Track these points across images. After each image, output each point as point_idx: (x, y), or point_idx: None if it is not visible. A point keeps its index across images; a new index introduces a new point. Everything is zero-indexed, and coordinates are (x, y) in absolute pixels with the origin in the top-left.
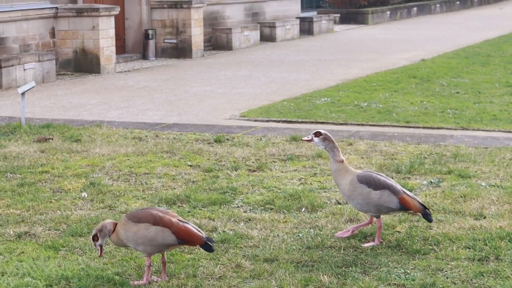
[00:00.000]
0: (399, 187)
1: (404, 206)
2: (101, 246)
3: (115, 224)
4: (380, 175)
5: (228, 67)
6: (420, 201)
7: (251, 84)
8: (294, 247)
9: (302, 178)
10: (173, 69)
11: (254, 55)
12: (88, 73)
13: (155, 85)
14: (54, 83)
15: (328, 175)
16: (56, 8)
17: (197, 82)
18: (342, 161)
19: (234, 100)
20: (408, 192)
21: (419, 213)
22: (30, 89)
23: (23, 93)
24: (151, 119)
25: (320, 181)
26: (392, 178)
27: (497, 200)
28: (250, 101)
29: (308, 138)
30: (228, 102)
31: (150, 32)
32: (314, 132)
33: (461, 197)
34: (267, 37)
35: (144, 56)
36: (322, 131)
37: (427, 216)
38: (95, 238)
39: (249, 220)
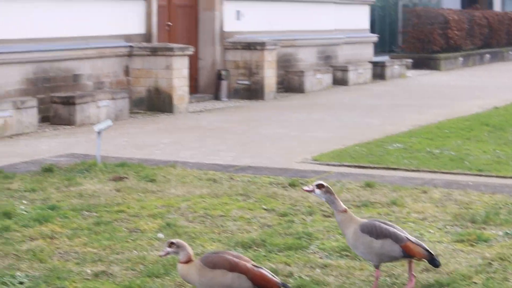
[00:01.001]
0: (403, 234)
1: (408, 254)
2: (168, 254)
3: (189, 258)
4: (384, 223)
5: (300, 109)
6: (426, 247)
7: (323, 128)
8: None
9: None
10: (245, 111)
11: (326, 98)
12: (160, 112)
13: (227, 126)
14: (127, 121)
15: (403, 222)
16: (131, 46)
17: (269, 124)
18: (345, 211)
19: (306, 143)
20: (412, 239)
21: (425, 259)
22: (106, 128)
23: (99, 132)
24: (223, 160)
25: None
26: (467, 228)
27: None
28: (322, 144)
29: (310, 189)
30: (300, 145)
31: (223, 72)
32: (316, 183)
33: None
34: (340, 81)
35: (217, 97)
36: (324, 184)
37: (433, 262)
38: (172, 245)
39: (325, 266)
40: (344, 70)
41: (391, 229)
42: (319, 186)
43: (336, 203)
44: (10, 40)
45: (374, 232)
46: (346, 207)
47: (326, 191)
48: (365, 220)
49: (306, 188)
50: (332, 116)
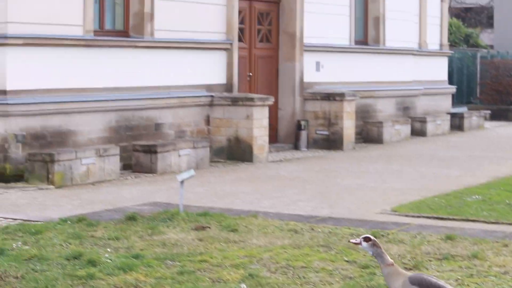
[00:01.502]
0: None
1: None
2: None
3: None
4: (432, 277)
5: (378, 160)
6: None
7: (402, 179)
8: None
9: (458, 279)
10: (324, 161)
11: (405, 149)
12: (240, 161)
13: (306, 176)
14: (207, 170)
15: (485, 276)
16: (212, 96)
17: (348, 175)
18: (392, 264)
19: (384, 194)
20: None
21: None
22: (189, 178)
23: (182, 181)
24: (303, 210)
25: (477, 283)
26: None
27: None
28: (401, 195)
29: (357, 242)
30: (378, 196)
31: (302, 123)
32: (363, 236)
33: None
34: (418, 131)
35: (296, 146)
36: (371, 237)
37: None
38: (368, 240)
39: None
40: (422, 121)
41: (439, 282)
42: (366, 239)
43: (383, 257)
44: (95, 89)
45: (424, 284)
46: (393, 261)
47: (373, 244)
48: (412, 273)
49: (353, 240)
50: (410, 167)
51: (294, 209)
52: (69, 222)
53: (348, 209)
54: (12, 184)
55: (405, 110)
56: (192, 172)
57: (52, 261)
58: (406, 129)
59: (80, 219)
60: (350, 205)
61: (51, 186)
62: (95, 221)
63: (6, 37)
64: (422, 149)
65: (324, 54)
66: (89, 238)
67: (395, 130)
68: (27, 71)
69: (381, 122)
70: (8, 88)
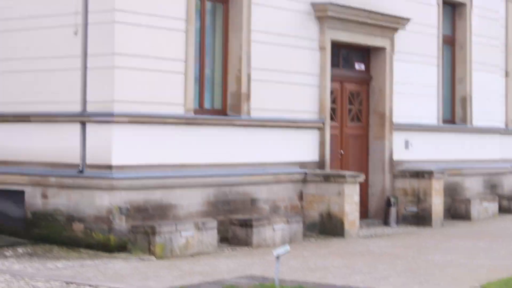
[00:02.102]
0: None
1: None
2: None
3: None
4: None
5: (467, 237)
6: None
7: (490, 256)
8: None
9: None
10: (413, 237)
11: (493, 226)
12: (332, 236)
13: (396, 252)
14: (300, 244)
15: None
16: (305, 173)
17: (437, 251)
18: None
19: (473, 271)
20: None
21: None
22: (284, 253)
23: (277, 256)
24: (393, 286)
25: None
26: None
27: None
28: (490, 273)
29: None
30: (468, 272)
31: (392, 199)
32: None
33: None
34: (506, 209)
35: (386, 222)
36: None
37: None
38: None
39: None
40: (510, 199)
41: None
42: None
43: None
44: (194, 165)
45: None
46: None
47: None
48: None
49: None
50: (499, 244)
51: (385, 284)
52: None
53: (438, 285)
54: (116, 254)
55: (492, 188)
56: (287, 247)
57: None
58: (493, 206)
59: None
60: (440, 281)
61: (152, 257)
62: None
63: (112, 115)
64: (510, 226)
65: (412, 132)
66: None
67: (483, 208)
68: (131, 147)
69: (469, 200)
70: (113, 163)
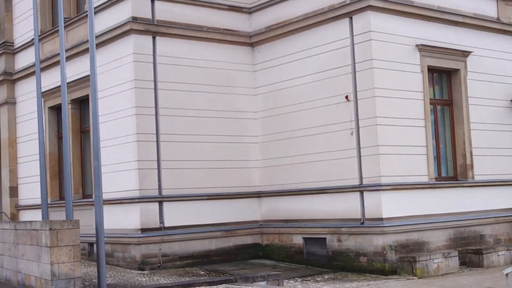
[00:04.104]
0: None
1: None
2: None
3: None
4: None
5: None
6: None
7: None
8: None
9: None
10: None
11: None
12: None
13: None
14: None
15: None
16: None
17: None
18: None
19: None
20: None
21: None
22: (511, 272)
23: (507, 274)
24: None
25: None
26: None
27: None
28: None
29: None
30: None
31: None
32: None
33: None
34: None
35: None
36: None
37: None
38: None
39: None
40: None
41: None
42: None
43: None
44: (438, 214)
45: None
46: None
47: None
48: None
49: None
50: None
51: None
52: None
53: None
54: (390, 277)
55: None
56: None
57: None
58: None
59: None
60: None
61: (415, 278)
62: None
63: (380, 185)
64: None
65: None
66: None
67: None
68: (394, 205)
69: None
70: (383, 216)
